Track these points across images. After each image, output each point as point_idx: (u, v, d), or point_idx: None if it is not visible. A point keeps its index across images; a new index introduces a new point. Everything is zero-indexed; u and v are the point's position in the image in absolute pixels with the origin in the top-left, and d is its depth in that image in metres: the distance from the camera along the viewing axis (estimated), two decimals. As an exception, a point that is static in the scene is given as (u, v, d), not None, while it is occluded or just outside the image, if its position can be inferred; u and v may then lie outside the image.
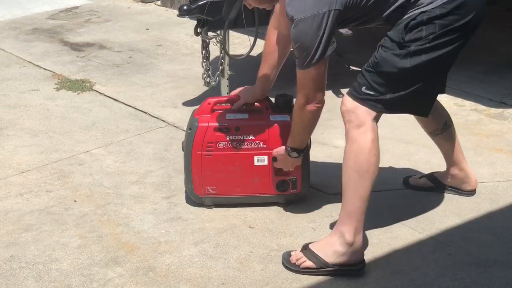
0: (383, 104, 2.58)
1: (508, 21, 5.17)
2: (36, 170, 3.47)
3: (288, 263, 2.68)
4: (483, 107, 4.09)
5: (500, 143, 3.68)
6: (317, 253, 2.64)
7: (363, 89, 2.56)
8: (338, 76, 4.29)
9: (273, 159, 2.95)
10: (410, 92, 2.57)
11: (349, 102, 2.59)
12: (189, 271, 2.70)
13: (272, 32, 2.93)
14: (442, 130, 3.02)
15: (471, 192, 3.15)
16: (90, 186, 3.32)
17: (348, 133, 2.59)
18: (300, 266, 2.65)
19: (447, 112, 3.05)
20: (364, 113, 2.57)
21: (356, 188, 2.60)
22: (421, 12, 2.49)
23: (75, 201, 3.19)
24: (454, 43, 2.53)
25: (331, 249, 2.63)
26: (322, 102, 2.67)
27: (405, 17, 2.53)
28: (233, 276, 2.67)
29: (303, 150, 2.88)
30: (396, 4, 2.54)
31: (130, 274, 2.69)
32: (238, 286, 2.62)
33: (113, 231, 2.96)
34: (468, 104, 4.10)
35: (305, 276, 2.65)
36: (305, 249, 2.69)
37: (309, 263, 2.64)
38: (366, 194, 2.61)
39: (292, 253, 2.70)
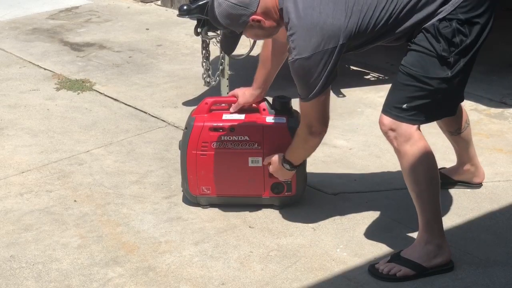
0: (425, 116, 2.58)
1: (508, 21, 5.17)
2: (36, 170, 3.47)
3: (381, 275, 2.63)
4: (483, 107, 4.09)
5: (500, 143, 3.68)
6: (412, 260, 2.63)
7: (405, 106, 2.54)
8: (338, 76, 4.28)
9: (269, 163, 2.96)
10: (451, 98, 2.60)
11: (388, 121, 2.58)
12: (189, 271, 2.70)
13: (269, 40, 2.92)
14: (464, 129, 3.03)
15: (479, 185, 3.19)
16: (90, 186, 3.32)
17: (399, 150, 2.58)
18: (397, 275, 2.61)
19: (465, 110, 3.07)
20: (407, 127, 2.56)
21: (428, 197, 2.61)
22: (444, 19, 2.48)
23: (75, 201, 3.19)
24: (481, 35, 2.53)
25: (425, 254, 2.62)
26: (325, 130, 2.72)
27: (426, 25, 2.51)
28: (233, 276, 2.67)
29: (297, 167, 2.91)
30: (411, 23, 2.52)
31: (130, 274, 2.69)
32: (238, 286, 2.62)
33: (113, 231, 2.96)
34: (468, 104, 4.09)
35: (305, 276, 2.65)
36: (396, 258, 2.65)
37: (406, 271, 2.62)
38: (438, 197, 2.63)
39: (376, 266, 2.66)
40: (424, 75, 2.52)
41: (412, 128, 2.56)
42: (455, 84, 2.56)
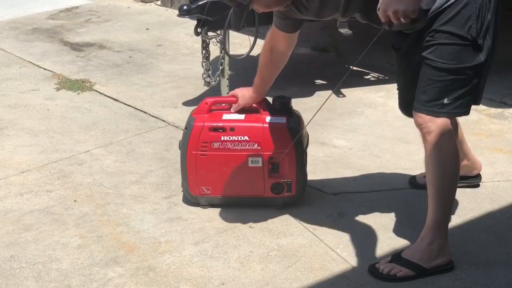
0: (465, 106, 2.56)
1: (508, 21, 5.18)
2: (36, 170, 3.47)
3: (381, 276, 2.62)
4: (483, 107, 4.08)
5: (500, 143, 3.68)
6: (413, 261, 2.62)
7: (445, 100, 2.50)
8: (338, 76, 4.28)
9: None
10: (483, 83, 2.57)
11: (427, 117, 2.53)
12: (189, 271, 2.70)
13: (268, 49, 2.90)
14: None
15: (479, 177, 3.19)
16: (90, 186, 3.32)
17: (431, 142, 2.54)
18: (397, 276, 2.61)
19: None
20: (443, 120, 2.53)
21: (446, 195, 2.60)
22: None
23: (75, 201, 3.19)
24: (498, 4, 2.50)
25: (426, 255, 2.62)
26: None
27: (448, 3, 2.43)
28: (233, 276, 2.67)
29: None
30: None
31: (130, 274, 2.69)
32: (238, 286, 2.62)
33: (113, 231, 2.96)
34: (468, 104, 4.10)
35: (305, 276, 2.65)
36: (397, 259, 2.65)
37: (406, 271, 2.61)
38: (454, 197, 2.63)
39: (377, 265, 2.66)
40: (460, 66, 2.47)
41: (449, 121, 2.54)
42: (488, 67, 2.54)
